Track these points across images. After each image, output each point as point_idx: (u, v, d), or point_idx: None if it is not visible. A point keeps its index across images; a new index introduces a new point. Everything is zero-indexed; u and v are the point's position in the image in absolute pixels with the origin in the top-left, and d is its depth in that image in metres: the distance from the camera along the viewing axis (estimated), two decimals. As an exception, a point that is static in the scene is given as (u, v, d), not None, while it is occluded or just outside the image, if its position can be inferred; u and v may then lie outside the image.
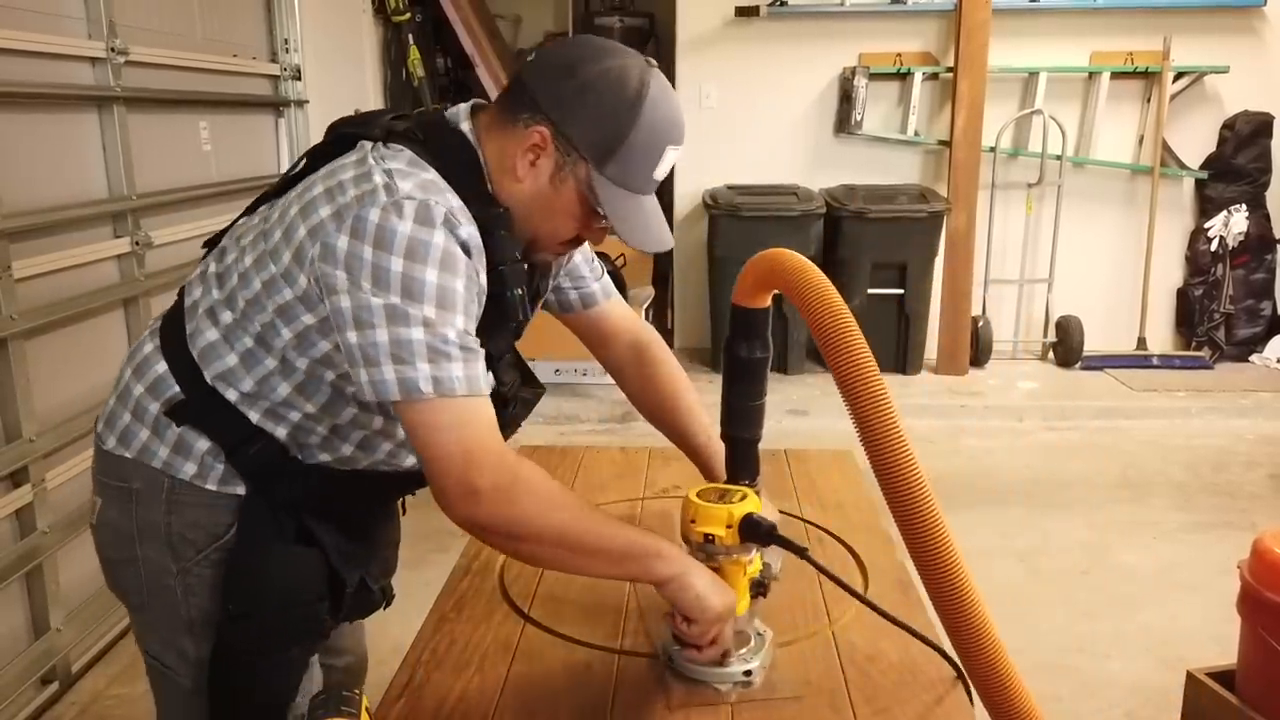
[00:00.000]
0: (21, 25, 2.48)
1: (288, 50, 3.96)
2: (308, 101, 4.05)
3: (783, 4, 5.22)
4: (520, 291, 1.20)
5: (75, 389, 2.70)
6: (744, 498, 1.25)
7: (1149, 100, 5.32)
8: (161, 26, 3.14)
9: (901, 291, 5.10)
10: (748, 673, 1.26)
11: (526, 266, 1.24)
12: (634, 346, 1.55)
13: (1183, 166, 5.33)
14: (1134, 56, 5.21)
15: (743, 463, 1.32)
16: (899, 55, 5.29)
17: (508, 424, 1.28)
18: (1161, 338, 5.54)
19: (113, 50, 2.80)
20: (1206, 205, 5.37)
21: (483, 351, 1.13)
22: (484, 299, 1.17)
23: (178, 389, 1.24)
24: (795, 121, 5.45)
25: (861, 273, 5.04)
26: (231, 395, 1.22)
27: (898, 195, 5.09)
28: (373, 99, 5.22)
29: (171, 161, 3.21)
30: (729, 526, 1.22)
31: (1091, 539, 3.45)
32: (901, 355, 5.20)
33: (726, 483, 1.31)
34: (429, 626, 1.44)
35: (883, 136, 5.35)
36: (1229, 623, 1.98)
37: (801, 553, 1.24)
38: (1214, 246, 5.35)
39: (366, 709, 1.06)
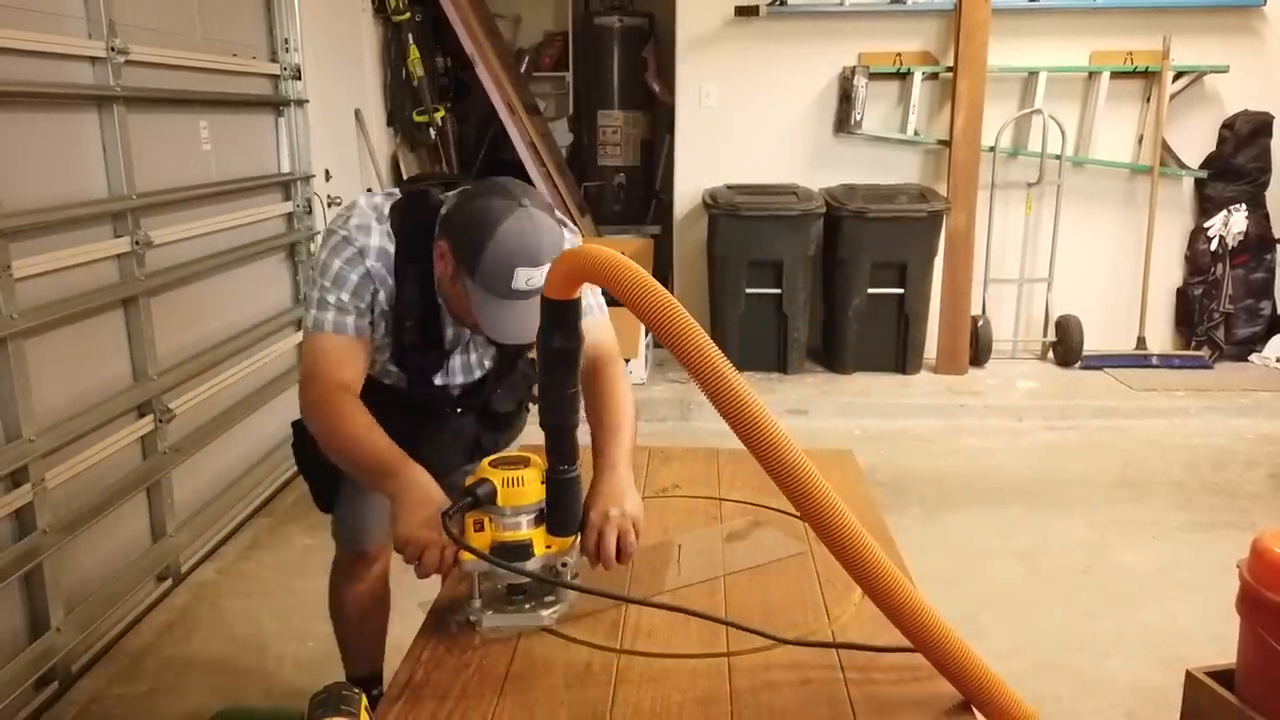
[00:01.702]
0: (21, 25, 2.48)
1: (287, 50, 3.96)
2: (308, 101, 4.05)
3: (783, 4, 5.22)
4: (410, 323, 1.70)
5: (75, 389, 2.70)
6: (523, 468, 1.39)
7: (1149, 100, 5.32)
8: (161, 26, 3.14)
9: (901, 291, 5.10)
10: (475, 619, 1.41)
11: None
12: (587, 369, 1.70)
13: (1182, 166, 5.34)
14: (1134, 56, 5.21)
15: (559, 448, 1.37)
16: (899, 55, 5.29)
17: (433, 400, 1.84)
18: (1161, 337, 5.54)
19: (113, 50, 2.80)
20: (1206, 205, 5.37)
21: (358, 322, 1.66)
22: (386, 312, 1.69)
23: None
24: (795, 121, 5.45)
25: (861, 272, 5.05)
26: None
27: (898, 195, 5.09)
28: (373, 98, 5.23)
29: (171, 161, 3.21)
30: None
31: (1091, 538, 3.45)
32: (901, 355, 5.20)
33: (551, 467, 1.39)
34: (429, 626, 1.44)
35: (882, 136, 5.35)
36: (1229, 622, 1.98)
37: (466, 546, 1.36)
38: (1213, 246, 5.35)
39: (366, 709, 1.06)
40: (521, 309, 1.52)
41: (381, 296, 1.67)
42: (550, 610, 1.44)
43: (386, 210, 1.68)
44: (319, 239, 1.64)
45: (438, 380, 1.81)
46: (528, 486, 1.38)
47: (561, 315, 1.31)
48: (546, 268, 1.40)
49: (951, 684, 1.25)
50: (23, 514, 2.47)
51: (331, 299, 1.64)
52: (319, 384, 1.62)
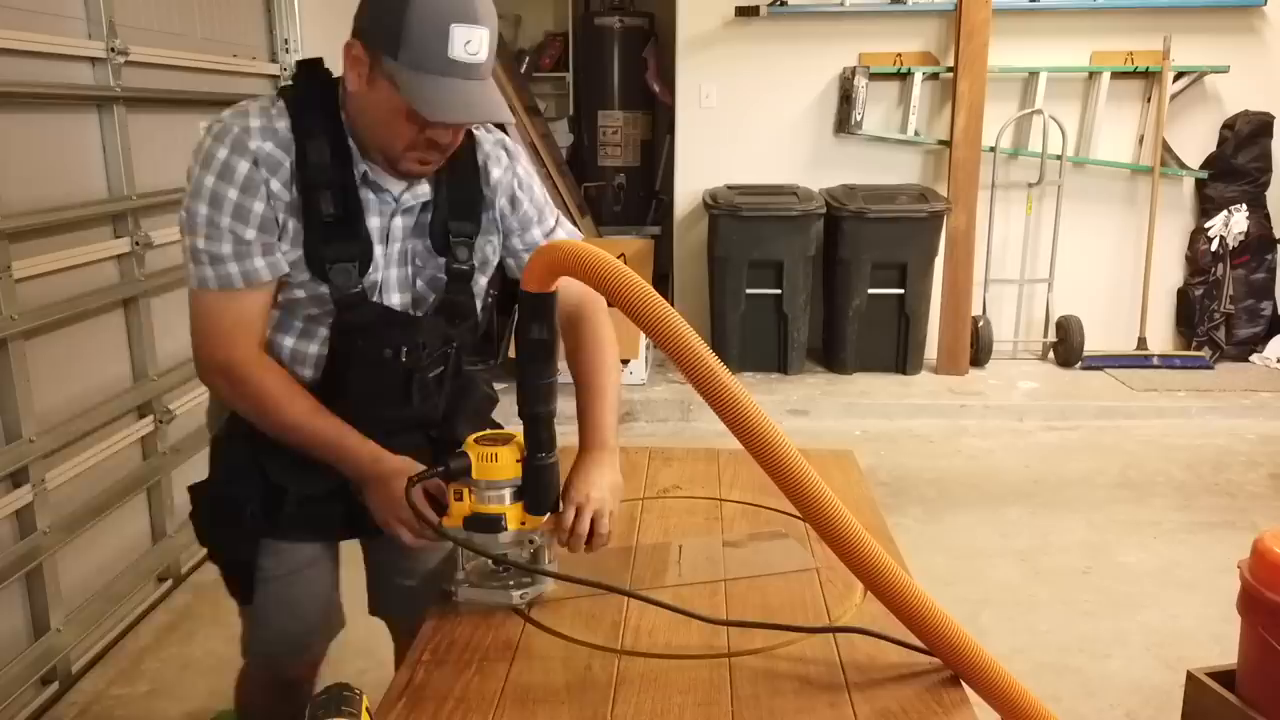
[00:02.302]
0: (21, 25, 2.47)
1: (288, 50, 3.96)
2: (308, 101, 4.05)
3: (783, 4, 5.22)
4: (324, 195, 1.39)
5: (75, 389, 2.70)
6: (502, 445, 1.43)
7: (1149, 100, 5.32)
8: (161, 26, 3.14)
9: (901, 291, 5.10)
10: (454, 590, 1.47)
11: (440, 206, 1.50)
12: (572, 316, 1.62)
13: (1183, 166, 5.33)
14: (1134, 56, 5.21)
15: (536, 436, 1.41)
16: (899, 55, 5.29)
17: (361, 329, 1.47)
18: (1162, 337, 5.54)
19: (113, 50, 2.80)
20: (1207, 205, 5.37)
21: (248, 249, 1.38)
22: (290, 202, 1.39)
23: None
24: (795, 121, 5.45)
25: (861, 273, 5.04)
26: None
27: (898, 195, 5.09)
28: (373, 99, 5.21)
29: (171, 161, 3.20)
30: None
31: (1091, 538, 3.45)
32: (901, 355, 5.20)
33: (529, 454, 1.43)
34: (429, 626, 1.44)
35: (883, 136, 5.35)
36: (1229, 623, 1.98)
37: (423, 517, 1.40)
38: (1214, 246, 5.35)
39: (367, 709, 1.06)
40: (463, 86, 1.30)
41: (276, 185, 1.37)
42: (521, 591, 1.47)
43: (272, 95, 1.43)
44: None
45: (373, 296, 1.47)
46: (502, 463, 1.42)
47: (539, 308, 1.32)
48: (487, 34, 1.30)
49: (954, 670, 1.25)
50: (23, 514, 2.46)
51: (205, 245, 1.36)
52: (209, 347, 1.42)
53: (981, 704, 1.29)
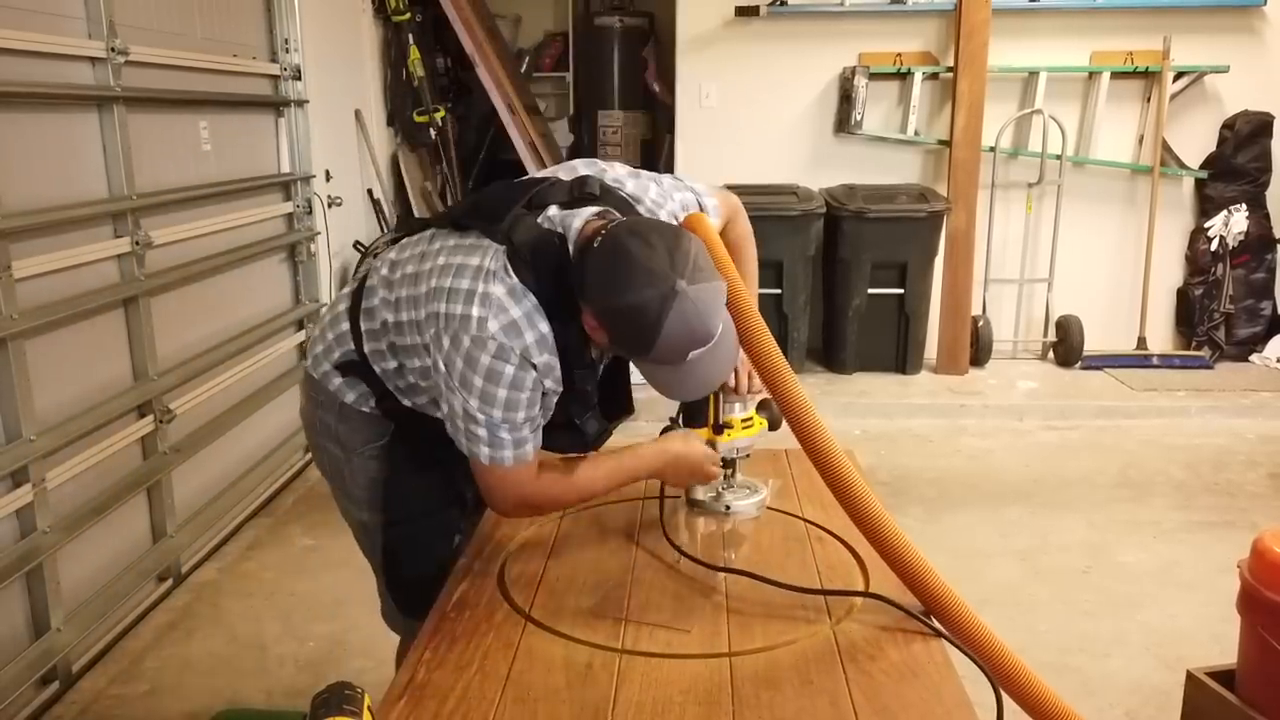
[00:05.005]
0: (21, 25, 2.48)
1: (288, 50, 3.96)
2: (308, 101, 4.05)
3: (783, 4, 5.21)
4: (590, 388, 1.59)
5: (75, 389, 2.70)
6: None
7: (1149, 100, 5.32)
8: (161, 26, 3.14)
9: (901, 291, 5.10)
10: (727, 507, 1.79)
11: None
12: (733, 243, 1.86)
13: (1183, 166, 5.33)
14: (1134, 56, 5.21)
15: None
16: (899, 55, 5.29)
17: (590, 446, 1.67)
18: (1161, 337, 5.54)
19: (113, 50, 2.80)
20: (1206, 205, 5.37)
21: (537, 435, 1.53)
22: (559, 392, 1.54)
23: (351, 347, 1.68)
24: (795, 121, 5.45)
25: (861, 273, 5.05)
26: (378, 370, 1.67)
27: (898, 195, 5.09)
28: (373, 99, 5.23)
29: (171, 161, 3.21)
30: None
31: (1091, 538, 3.45)
32: (901, 355, 5.20)
33: None
34: (429, 626, 1.44)
35: (883, 136, 5.35)
36: (1229, 622, 1.98)
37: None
38: (1214, 246, 5.35)
39: (369, 708, 1.06)
40: (694, 362, 1.42)
41: (549, 383, 1.50)
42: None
43: (509, 273, 1.46)
44: (445, 344, 1.47)
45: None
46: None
47: None
48: (722, 330, 1.42)
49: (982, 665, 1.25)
50: (23, 514, 2.47)
51: (505, 435, 1.49)
52: (512, 502, 1.58)
53: (983, 705, 1.29)
